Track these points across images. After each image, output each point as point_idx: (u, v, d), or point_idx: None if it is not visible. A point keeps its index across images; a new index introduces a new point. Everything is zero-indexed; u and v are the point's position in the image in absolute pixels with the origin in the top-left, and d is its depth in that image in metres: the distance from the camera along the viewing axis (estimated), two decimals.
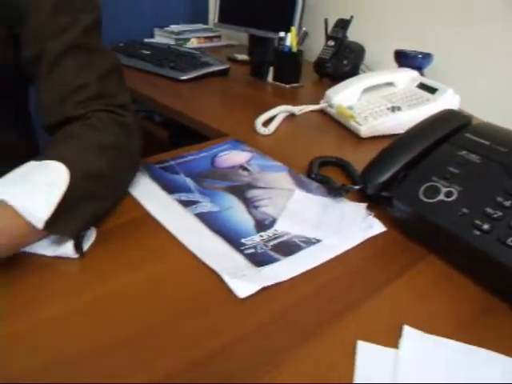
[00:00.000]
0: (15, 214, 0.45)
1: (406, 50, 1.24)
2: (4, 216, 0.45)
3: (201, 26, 1.92)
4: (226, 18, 1.65)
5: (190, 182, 0.64)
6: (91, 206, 0.52)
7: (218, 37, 1.86)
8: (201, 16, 2.02)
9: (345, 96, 0.98)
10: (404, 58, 1.22)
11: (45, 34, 0.59)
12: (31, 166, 0.51)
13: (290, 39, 1.22)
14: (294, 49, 1.23)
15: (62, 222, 0.48)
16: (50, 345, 0.39)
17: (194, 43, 1.76)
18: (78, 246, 0.49)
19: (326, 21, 1.39)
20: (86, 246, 0.51)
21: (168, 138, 1.31)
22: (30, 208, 0.46)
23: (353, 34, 1.38)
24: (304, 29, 1.28)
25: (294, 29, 1.23)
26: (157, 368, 0.37)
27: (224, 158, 0.73)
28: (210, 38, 1.84)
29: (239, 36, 1.85)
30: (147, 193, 0.62)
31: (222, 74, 1.33)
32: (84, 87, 0.60)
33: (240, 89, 1.24)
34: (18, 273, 0.47)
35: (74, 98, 0.60)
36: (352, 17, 1.35)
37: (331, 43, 1.36)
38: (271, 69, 1.26)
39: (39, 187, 0.48)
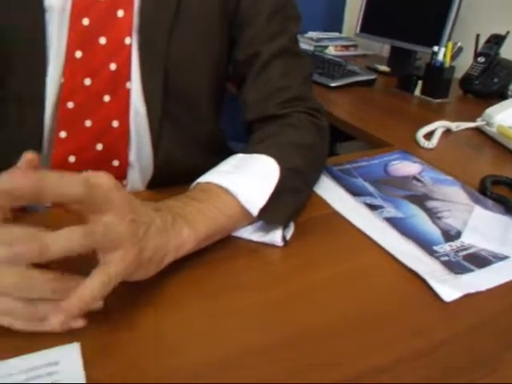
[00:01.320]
0: (235, 201, 0.51)
1: None
2: (227, 202, 0.51)
3: (337, 34, 1.96)
4: (368, 28, 1.67)
5: (369, 186, 0.69)
6: (294, 198, 0.57)
7: (355, 46, 1.89)
8: (335, 25, 2.06)
9: (507, 116, 0.97)
10: None
11: (259, 39, 0.65)
12: (242, 157, 0.57)
13: (444, 54, 1.23)
14: (447, 64, 1.23)
15: (272, 210, 0.53)
16: (241, 332, 0.42)
17: (331, 51, 1.80)
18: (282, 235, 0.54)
19: (477, 36, 1.37)
20: (287, 235, 0.55)
21: None
22: (248, 196, 0.51)
23: (505, 51, 1.34)
24: (459, 44, 1.27)
25: (450, 44, 1.23)
26: (360, 363, 0.39)
27: (396, 167, 0.76)
28: (346, 47, 1.87)
29: (373, 46, 1.87)
30: (331, 192, 0.66)
31: (367, 83, 1.36)
32: (287, 89, 0.66)
33: (387, 100, 1.27)
34: (225, 255, 0.51)
35: (277, 99, 0.65)
36: (508, 32, 1.31)
37: (481, 60, 1.34)
38: (419, 82, 1.27)
39: (255, 178, 0.54)
